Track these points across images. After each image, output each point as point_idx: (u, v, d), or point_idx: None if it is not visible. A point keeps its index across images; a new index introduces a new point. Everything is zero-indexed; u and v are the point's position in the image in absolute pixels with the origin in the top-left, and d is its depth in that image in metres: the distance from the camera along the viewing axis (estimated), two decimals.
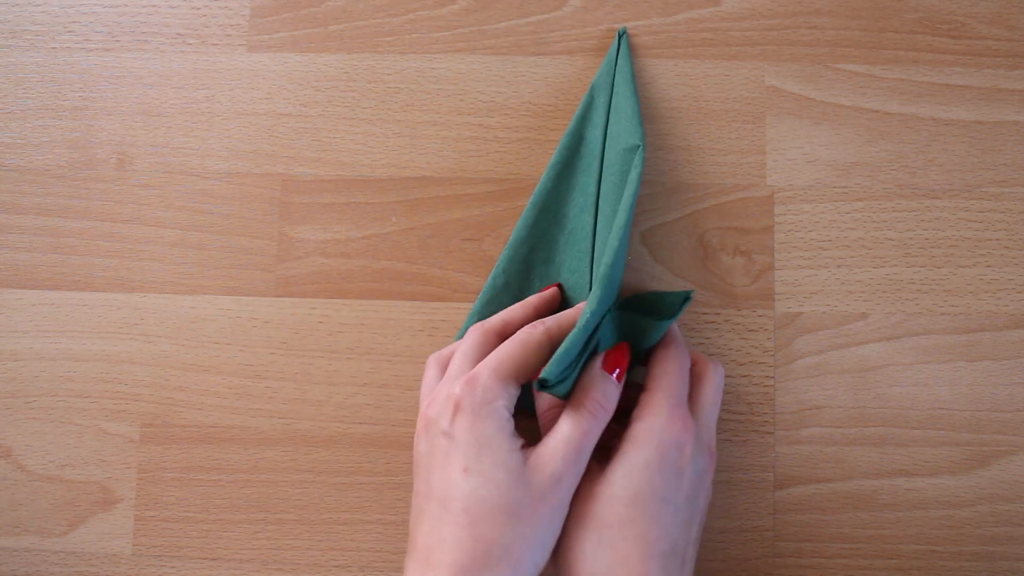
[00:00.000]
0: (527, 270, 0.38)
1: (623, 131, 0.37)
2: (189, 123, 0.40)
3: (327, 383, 0.39)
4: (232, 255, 0.39)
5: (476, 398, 0.30)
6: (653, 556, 0.29)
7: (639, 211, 0.39)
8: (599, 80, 0.39)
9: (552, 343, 0.32)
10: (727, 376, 0.38)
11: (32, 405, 0.39)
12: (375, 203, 0.40)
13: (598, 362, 0.32)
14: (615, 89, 0.38)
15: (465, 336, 0.33)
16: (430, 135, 0.40)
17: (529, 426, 0.33)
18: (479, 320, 0.35)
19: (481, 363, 0.31)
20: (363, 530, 0.38)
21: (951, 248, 0.39)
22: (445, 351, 0.35)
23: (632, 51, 0.40)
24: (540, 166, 0.39)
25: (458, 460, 0.29)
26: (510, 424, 0.30)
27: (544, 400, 0.33)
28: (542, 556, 0.29)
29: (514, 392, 0.31)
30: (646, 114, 0.39)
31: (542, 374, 0.29)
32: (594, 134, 0.38)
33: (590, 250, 0.37)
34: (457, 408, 0.30)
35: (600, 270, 0.32)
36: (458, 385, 0.30)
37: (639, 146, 0.36)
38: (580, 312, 0.33)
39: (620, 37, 0.39)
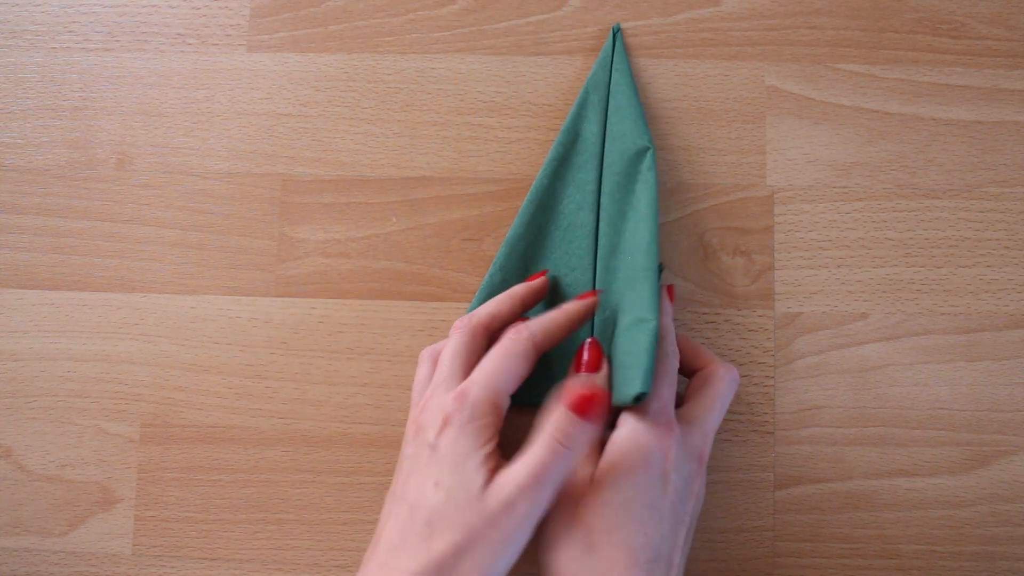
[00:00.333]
0: (524, 267, 0.38)
1: (628, 131, 0.37)
2: (189, 123, 0.40)
3: (327, 383, 0.39)
4: (232, 255, 0.39)
5: (464, 415, 0.30)
6: (638, 563, 0.29)
7: None
8: (594, 77, 0.39)
9: (537, 349, 0.32)
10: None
11: (32, 405, 0.39)
12: (375, 203, 0.40)
13: (565, 397, 0.30)
14: (612, 87, 0.38)
15: (452, 333, 0.33)
16: (430, 135, 0.40)
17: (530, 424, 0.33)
18: None
19: (473, 378, 0.31)
20: (363, 530, 0.38)
21: (951, 248, 0.39)
22: (438, 346, 0.35)
23: (632, 51, 0.40)
24: (540, 166, 0.39)
25: (434, 472, 0.29)
26: (491, 443, 0.30)
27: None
28: None
29: (505, 404, 0.31)
30: (646, 114, 0.39)
31: (640, 389, 0.30)
32: (590, 130, 0.38)
33: (592, 248, 0.37)
34: (446, 423, 0.30)
35: (648, 278, 0.33)
36: (450, 398, 0.30)
37: (649, 148, 0.36)
38: (563, 312, 0.33)
39: (615, 34, 0.39)
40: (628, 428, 0.31)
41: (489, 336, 0.34)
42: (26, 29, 0.41)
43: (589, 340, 0.33)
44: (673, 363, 0.33)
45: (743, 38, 0.40)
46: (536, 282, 0.36)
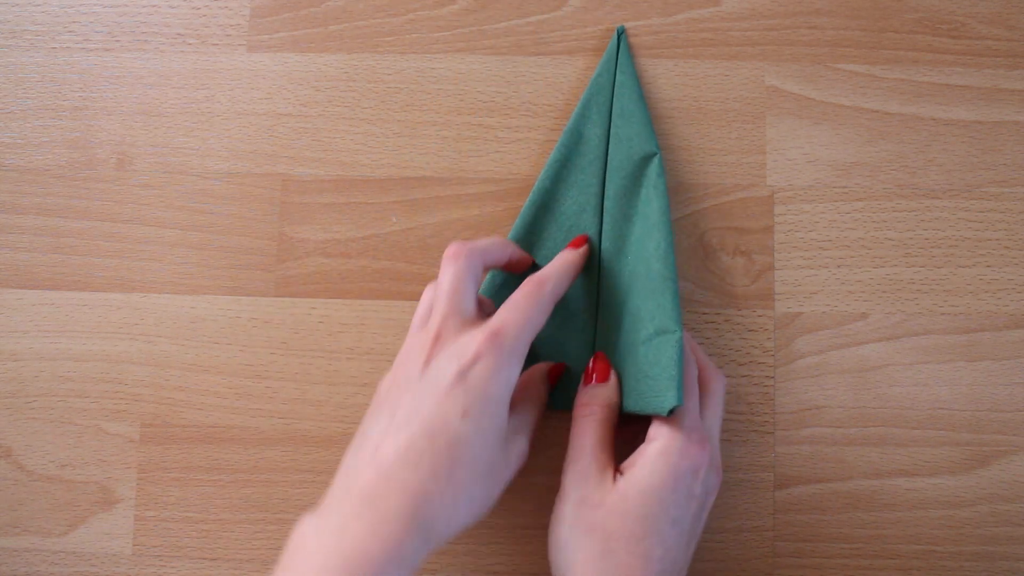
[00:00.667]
0: None
1: (635, 135, 0.37)
2: (189, 123, 0.40)
3: (327, 383, 0.39)
4: (232, 255, 0.39)
5: (500, 357, 0.30)
6: (653, 574, 0.30)
7: None
8: (598, 79, 0.39)
9: (554, 300, 0.33)
10: (727, 376, 0.38)
11: (32, 405, 0.39)
12: (375, 203, 0.40)
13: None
14: (617, 90, 0.38)
15: (451, 260, 0.32)
16: (430, 135, 0.40)
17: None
18: None
19: (504, 320, 0.31)
20: None
21: (951, 248, 0.39)
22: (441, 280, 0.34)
23: (632, 51, 0.40)
24: (540, 166, 0.39)
25: (461, 402, 0.29)
26: (512, 390, 0.31)
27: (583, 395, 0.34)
28: (468, 517, 0.29)
29: (524, 353, 0.31)
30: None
31: (675, 402, 0.31)
32: (594, 133, 0.38)
33: (595, 250, 0.37)
34: (478, 357, 0.29)
35: (668, 288, 0.33)
36: (481, 336, 0.30)
37: (656, 153, 0.37)
38: (568, 263, 0.34)
39: (619, 35, 0.39)
40: (662, 444, 0.31)
41: (482, 270, 0.34)
42: (26, 29, 0.41)
43: (596, 355, 0.35)
44: (693, 372, 0.33)
45: (743, 38, 0.40)
46: (526, 256, 0.37)
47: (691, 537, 0.32)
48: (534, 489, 0.37)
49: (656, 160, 0.36)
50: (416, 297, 0.39)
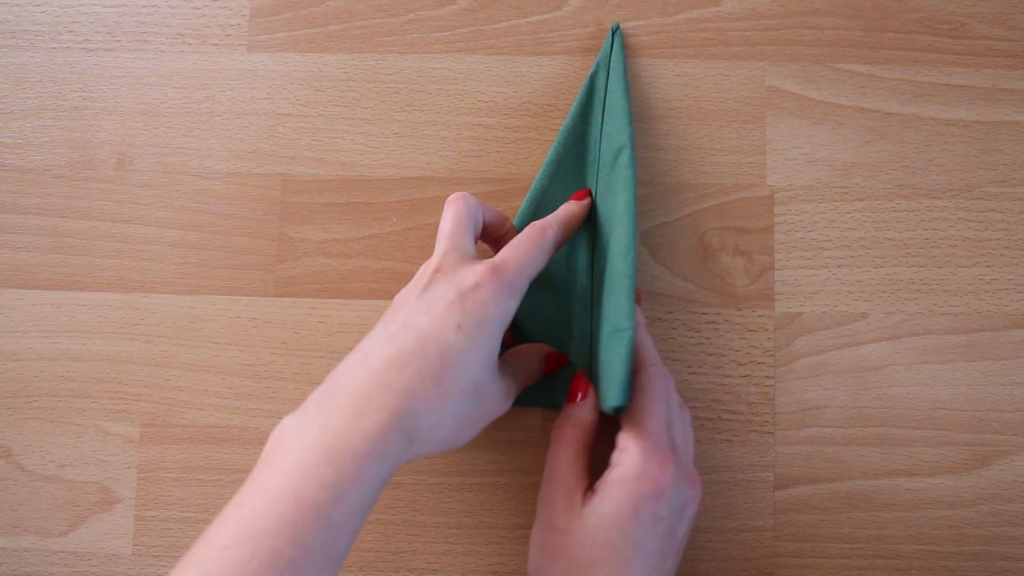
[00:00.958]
0: None
1: (615, 130, 0.37)
2: (189, 123, 0.40)
3: None
4: (232, 255, 0.39)
5: (501, 284, 0.30)
6: None
7: (639, 210, 0.39)
8: (593, 77, 0.39)
9: (555, 245, 0.33)
10: (727, 376, 0.38)
11: (32, 405, 0.39)
12: (375, 203, 0.40)
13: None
14: (609, 88, 0.38)
15: (451, 203, 0.33)
16: (430, 135, 0.40)
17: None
18: None
19: (506, 256, 0.31)
20: (363, 530, 0.38)
21: (951, 248, 0.39)
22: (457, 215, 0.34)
23: (632, 51, 0.40)
24: (540, 166, 0.39)
25: (456, 318, 0.29)
26: (507, 323, 0.31)
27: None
28: (452, 432, 0.29)
29: (524, 290, 0.31)
30: (646, 114, 0.39)
31: (617, 403, 0.30)
32: (588, 132, 0.38)
33: (589, 249, 0.37)
34: (478, 284, 0.30)
35: (624, 285, 0.32)
36: (483, 267, 0.30)
37: (626, 145, 0.35)
38: (571, 213, 0.35)
39: (613, 33, 0.39)
40: (622, 471, 0.31)
41: (481, 218, 0.34)
42: (26, 29, 0.41)
43: (577, 373, 0.35)
44: (661, 386, 0.33)
45: (743, 38, 0.40)
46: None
47: (663, 556, 0.31)
48: (534, 489, 0.37)
49: (626, 153, 0.35)
50: None
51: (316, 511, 0.25)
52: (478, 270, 0.30)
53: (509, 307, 0.30)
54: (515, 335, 0.37)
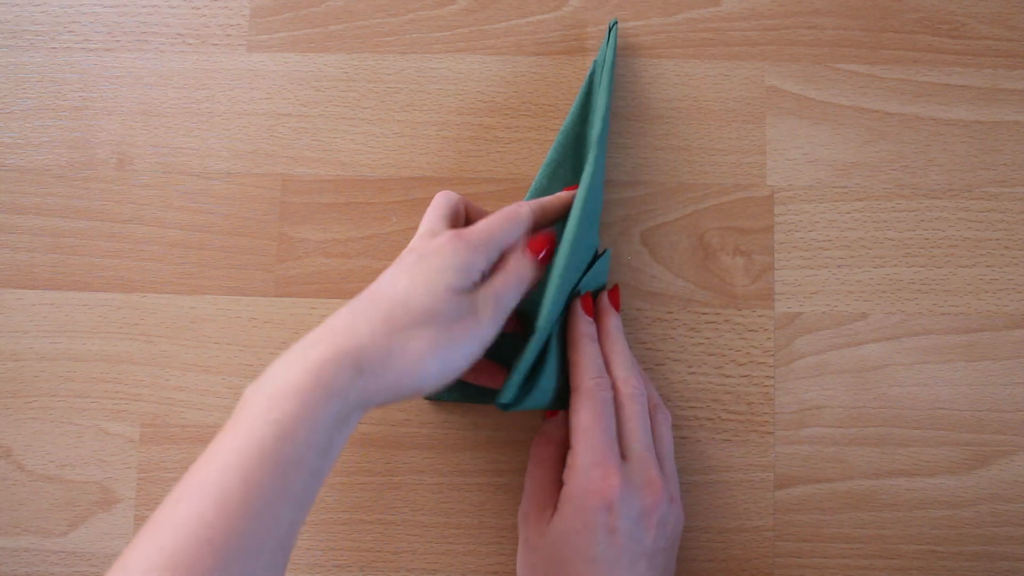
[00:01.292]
0: None
1: (595, 127, 0.36)
2: (189, 123, 0.40)
3: None
4: (232, 255, 0.39)
5: (460, 243, 0.30)
6: None
7: (639, 211, 0.39)
8: (591, 76, 0.39)
9: (532, 221, 0.32)
10: (727, 376, 0.38)
11: (32, 405, 0.39)
12: (375, 203, 0.40)
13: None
14: (595, 85, 0.38)
15: (434, 198, 0.34)
16: (430, 135, 0.40)
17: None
18: None
19: (475, 227, 0.31)
20: (363, 530, 0.38)
21: (951, 248, 0.39)
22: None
23: (632, 51, 0.40)
24: (540, 166, 0.39)
25: (408, 270, 0.29)
26: (470, 273, 0.30)
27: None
28: (410, 363, 0.28)
29: (496, 253, 0.31)
30: (646, 114, 0.39)
31: (501, 398, 0.30)
32: (588, 132, 0.38)
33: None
34: (439, 246, 0.30)
35: (551, 282, 0.32)
36: (446, 235, 0.30)
37: (593, 142, 0.35)
38: (556, 197, 0.34)
39: (611, 29, 0.39)
40: (568, 488, 0.31)
41: (462, 208, 0.34)
42: (26, 29, 0.41)
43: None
44: (602, 397, 0.32)
45: (743, 38, 0.40)
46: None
47: (630, 565, 0.30)
48: None
49: (593, 149, 0.34)
50: None
51: (261, 448, 0.25)
52: (442, 238, 0.30)
53: (469, 258, 0.30)
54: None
